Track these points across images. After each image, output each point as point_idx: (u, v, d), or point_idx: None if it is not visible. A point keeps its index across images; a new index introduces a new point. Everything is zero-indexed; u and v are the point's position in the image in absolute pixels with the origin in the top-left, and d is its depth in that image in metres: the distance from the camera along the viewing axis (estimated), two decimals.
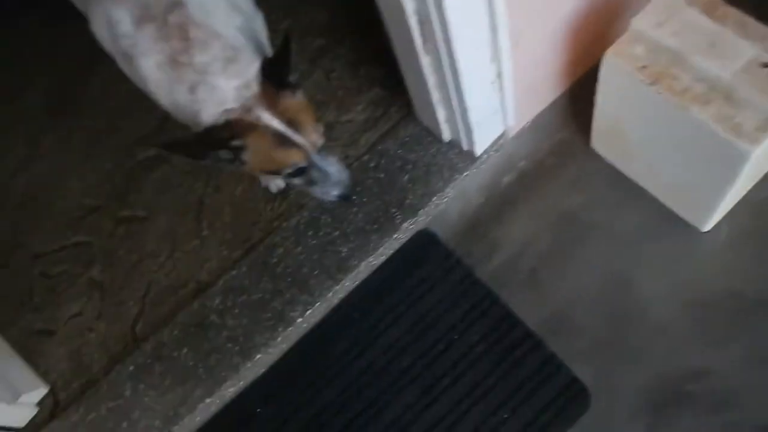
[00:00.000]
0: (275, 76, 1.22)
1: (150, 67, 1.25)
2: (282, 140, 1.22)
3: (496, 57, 1.34)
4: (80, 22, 2.13)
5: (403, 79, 1.60)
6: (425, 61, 1.34)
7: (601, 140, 1.75)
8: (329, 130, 1.78)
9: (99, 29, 1.33)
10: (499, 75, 1.42)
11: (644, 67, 1.38)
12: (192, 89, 1.22)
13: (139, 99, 1.92)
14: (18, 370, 1.58)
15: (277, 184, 1.73)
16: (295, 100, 1.26)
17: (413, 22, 1.21)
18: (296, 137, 1.24)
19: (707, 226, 1.62)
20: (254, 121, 1.20)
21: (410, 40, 1.28)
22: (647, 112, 1.46)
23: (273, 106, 1.21)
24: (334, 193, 1.39)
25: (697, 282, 1.60)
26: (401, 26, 1.26)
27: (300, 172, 1.30)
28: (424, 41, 1.27)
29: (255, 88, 1.21)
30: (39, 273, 1.76)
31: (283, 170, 1.29)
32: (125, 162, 1.88)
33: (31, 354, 1.64)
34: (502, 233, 1.78)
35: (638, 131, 1.57)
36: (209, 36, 1.24)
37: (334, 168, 1.35)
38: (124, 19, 1.23)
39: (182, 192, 1.80)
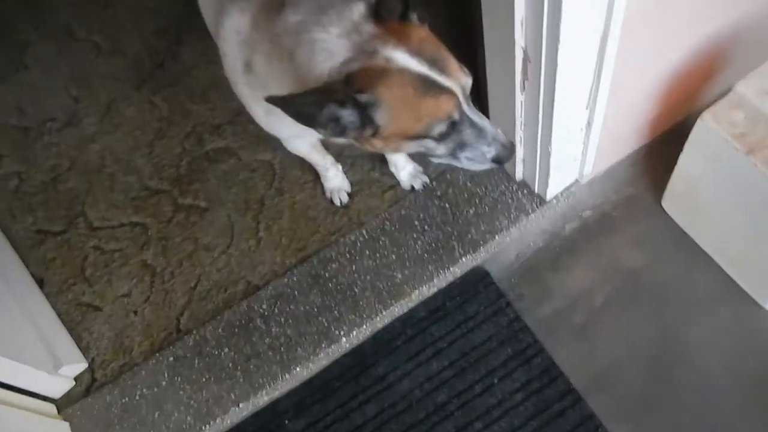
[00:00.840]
0: (392, 7, 0.97)
1: (261, 62, 1.11)
2: (427, 86, 0.94)
3: (592, 104, 1.31)
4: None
5: (484, 110, 1.57)
6: (519, 100, 1.31)
7: (673, 200, 1.70)
8: None
9: (227, 46, 1.19)
10: (589, 123, 1.38)
11: (742, 134, 1.33)
12: (291, 55, 1.02)
13: (218, 86, 1.96)
14: (62, 341, 1.59)
15: (341, 197, 1.72)
16: (426, 33, 0.99)
17: (518, 59, 1.18)
18: (444, 79, 0.95)
19: None
20: (385, 66, 0.93)
21: (509, 77, 1.25)
22: (734, 180, 1.41)
23: (405, 42, 0.95)
24: (491, 155, 1.06)
25: (753, 358, 1.55)
26: (503, 61, 1.23)
27: (450, 130, 1.00)
28: (524, 79, 1.24)
29: (369, 28, 0.97)
30: (94, 246, 1.77)
31: (432, 128, 0.98)
32: (195, 149, 1.88)
33: (75, 326, 1.66)
34: (558, 281, 1.74)
35: (718, 198, 1.52)
36: None
37: (485, 120, 1.04)
38: (242, 22, 1.13)
39: (245, 189, 1.79)
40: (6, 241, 1.77)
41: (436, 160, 1.10)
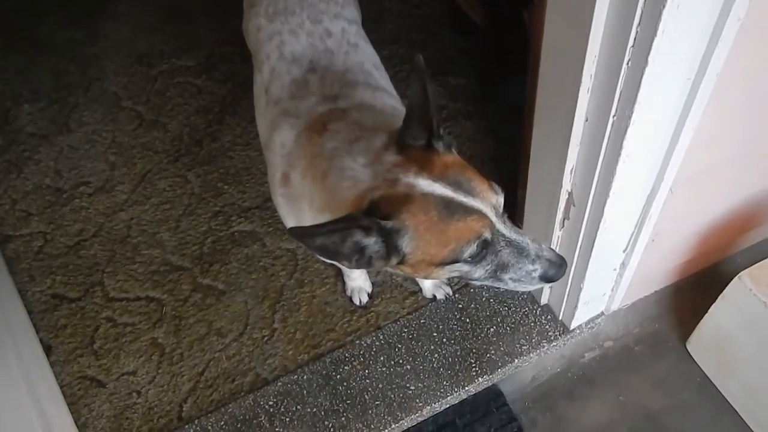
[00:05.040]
0: (416, 134, 0.97)
1: (297, 178, 1.13)
2: (453, 209, 0.92)
3: (629, 249, 1.31)
4: (226, 74, 2.21)
5: None
6: (557, 235, 1.31)
7: (700, 347, 1.67)
8: None
9: (272, 156, 1.22)
10: (624, 264, 1.38)
11: None
12: (323, 178, 1.05)
13: (252, 170, 1.99)
14: (61, 418, 1.55)
15: (361, 297, 1.70)
16: (452, 157, 0.98)
17: (562, 200, 1.19)
18: (471, 200, 0.93)
19: None
20: (407, 192, 0.93)
21: (549, 215, 1.25)
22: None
23: (427, 168, 0.94)
24: (537, 273, 1.00)
25: None
26: (545, 200, 1.24)
27: (483, 252, 0.96)
28: (565, 218, 1.24)
29: (391, 157, 0.97)
30: (107, 317, 1.75)
31: (462, 252, 0.94)
32: (221, 229, 1.88)
33: (76, 401, 1.61)
34: (574, 412, 1.68)
35: (749, 354, 1.49)
36: (347, 123, 1.09)
37: (526, 237, 1.00)
38: (289, 137, 1.17)
39: (266, 277, 1.78)
40: (20, 303, 1.75)
41: (477, 283, 1.05)
